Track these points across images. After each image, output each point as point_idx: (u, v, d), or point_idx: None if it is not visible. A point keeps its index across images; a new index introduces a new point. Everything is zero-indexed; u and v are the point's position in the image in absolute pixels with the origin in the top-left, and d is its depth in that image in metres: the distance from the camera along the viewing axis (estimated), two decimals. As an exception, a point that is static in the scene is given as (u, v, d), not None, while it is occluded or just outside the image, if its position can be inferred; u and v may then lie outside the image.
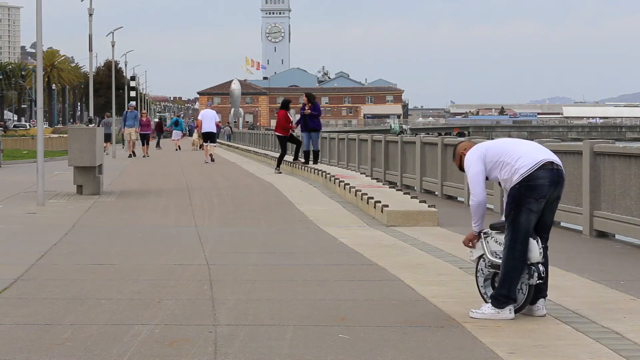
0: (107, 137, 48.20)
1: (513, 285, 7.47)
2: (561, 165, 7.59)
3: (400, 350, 6.52)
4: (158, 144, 58.54)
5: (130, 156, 41.29)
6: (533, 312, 7.58)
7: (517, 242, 7.43)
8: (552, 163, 7.48)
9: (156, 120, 70.49)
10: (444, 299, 8.29)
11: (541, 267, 7.49)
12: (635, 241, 12.39)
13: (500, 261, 7.60)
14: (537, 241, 7.50)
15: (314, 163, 26.07)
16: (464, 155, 7.80)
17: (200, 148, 48.53)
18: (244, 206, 17.86)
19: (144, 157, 41.40)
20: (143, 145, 43.53)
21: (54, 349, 6.53)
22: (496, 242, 7.68)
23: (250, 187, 22.84)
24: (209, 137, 35.52)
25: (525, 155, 7.49)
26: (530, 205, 7.42)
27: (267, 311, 7.83)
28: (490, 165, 7.62)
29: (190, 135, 67.77)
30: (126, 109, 45.47)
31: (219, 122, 45.74)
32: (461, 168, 7.88)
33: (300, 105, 26.70)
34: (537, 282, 7.46)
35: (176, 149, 53.88)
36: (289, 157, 29.25)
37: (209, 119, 35.25)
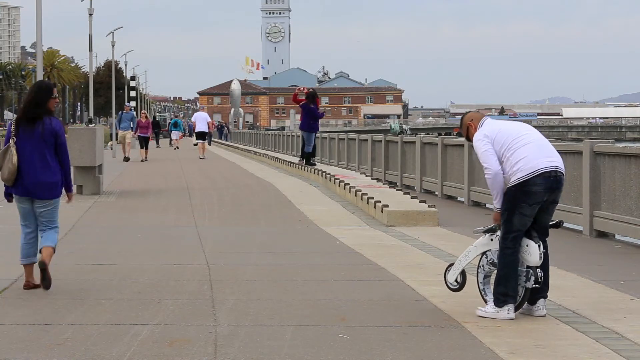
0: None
1: (510, 282, 7.49)
2: (561, 170, 7.53)
3: (400, 350, 6.52)
4: (157, 143, 59.13)
5: (125, 160, 37.58)
6: (533, 312, 7.59)
7: (508, 240, 7.49)
8: (550, 172, 7.46)
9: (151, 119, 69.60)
10: (444, 299, 8.28)
11: (539, 272, 7.50)
12: (635, 241, 12.39)
13: None
14: (539, 246, 7.49)
15: (306, 164, 25.82)
16: (471, 126, 7.81)
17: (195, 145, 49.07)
18: (244, 206, 17.86)
19: (142, 161, 38.06)
20: (142, 148, 39.66)
21: (54, 349, 6.53)
22: None
23: (250, 187, 22.84)
24: (201, 136, 40.28)
25: (526, 159, 7.44)
26: (524, 210, 7.44)
27: (267, 311, 7.83)
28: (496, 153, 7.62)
29: (190, 135, 68.04)
30: (122, 110, 40.60)
31: (213, 122, 49.59)
32: (468, 138, 7.89)
33: (299, 98, 25.07)
34: (534, 285, 7.49)
35: (175, 148, 54.27)
36: (289, 157, 29.13)
37: (200, 120, 39.71)
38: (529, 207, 7.43)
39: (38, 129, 8.74)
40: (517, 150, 7.49)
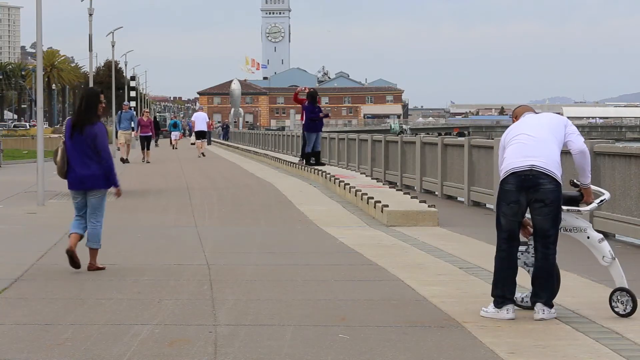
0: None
1: (506, 285, 7.55)
2: (540, 168, 7.50)
3: (400, 350, 6.52)
4: (156, 143, 59.00)
5: (123, 162, 34.44)
6: (533, 315, 7.58)
7: (500, 241, 7.61)
8: (522, 171, 7.49)
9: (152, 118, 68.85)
10: (444, 299, 8.29)
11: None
12: (635, 241, 12.39)
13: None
14: None
15: (306, 164, 25.83)
16: (514, 122, 8.00)
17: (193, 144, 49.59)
18: (244, 206, 17.86)
19: (143, 161, 36.40)
20: (143, 149, 37.32)
21: (54, 349, 6.53)
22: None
23: (250, 187, 22.84)
24: (200, 136, 42.52)
25: (506, 159, 7.65)
26: (503, 209, 7.59)
27: (267, 311, 7.83)
28: None
29: (190, 135, 68.15)
30: (121, 109, 37.61)
31: (212, 122, 52.43)
32: None
33: (300, 98, 25.36)
34: None
35: (174, 148, 54.50)
36: (289, 157, 29.12)
37: (200, 120, 42.04)
38: (506, 205, 7.56)
39: (83, 131, 10.07)
40: (506, 149, 7.73)
